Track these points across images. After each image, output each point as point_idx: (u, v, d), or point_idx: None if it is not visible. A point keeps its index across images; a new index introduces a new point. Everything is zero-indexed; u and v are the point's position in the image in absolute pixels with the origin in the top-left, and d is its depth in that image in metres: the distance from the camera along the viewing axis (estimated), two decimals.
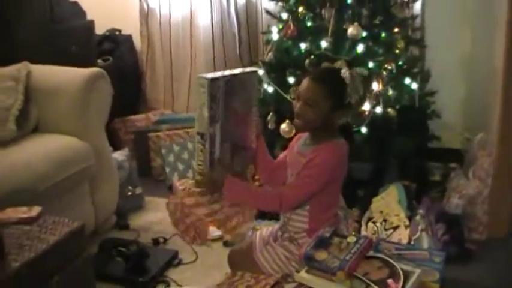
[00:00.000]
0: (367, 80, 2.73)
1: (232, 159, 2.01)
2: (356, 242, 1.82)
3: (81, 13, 3.75)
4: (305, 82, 1.98)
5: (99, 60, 3.87)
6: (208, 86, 1.83)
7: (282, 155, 2.25)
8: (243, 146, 2.09)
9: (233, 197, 2.00)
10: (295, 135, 2.27)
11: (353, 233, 1.97)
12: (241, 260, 2.16)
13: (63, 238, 1.80)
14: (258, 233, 2.22)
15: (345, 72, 1.94)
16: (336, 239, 1.85)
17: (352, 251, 1.77)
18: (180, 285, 2.23)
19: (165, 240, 2.66)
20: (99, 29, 4.01)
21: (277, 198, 1.98)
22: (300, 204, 2.03)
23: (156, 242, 2.61)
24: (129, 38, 4.29)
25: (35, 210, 1.92)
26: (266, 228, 2.26)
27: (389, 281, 1.70)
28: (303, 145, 2.10)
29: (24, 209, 1.92)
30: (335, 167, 2.00)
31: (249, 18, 4.03)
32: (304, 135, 2.12)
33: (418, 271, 1.81)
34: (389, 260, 1.82)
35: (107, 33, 4.19)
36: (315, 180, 1.97)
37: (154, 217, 2.95)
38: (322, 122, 1.98)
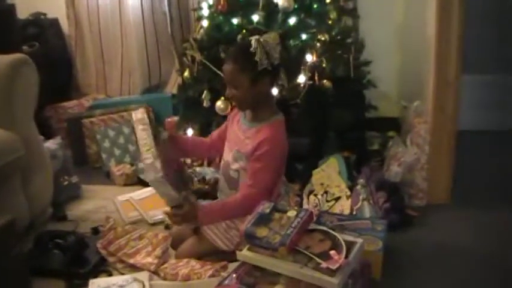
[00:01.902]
0: (301, 52, 2.72)
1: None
2: (296, 215, 1.80)
3: None
4: (224, 67, 2.04)
5: (25, 47, 3.70)
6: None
7: (214, 134, 2.27)
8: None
9: (208, 222, 2.02)
10: (231, 111, 2.26)
11: (294, 208, 1.94)
12: (187, 237, 2.13)
13: None
14: None
15: (250, 41, 1.94)
16: (276, 214, 1.82)
17: (293, 225, 1.75)
18: (123, 273, 2.16)
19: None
20: (23, 14, 3.83)
21: (247, 202, 1.95)
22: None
23: (95, 231, 2.52)
24: (55, 22, 4.12)
25: None
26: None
27: (332, 252, 1.69)
28: (244, 120, 2.11)
29: None
30: (283, 144, 2.05)
31: None
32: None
33: (360, 241, 1.81)
34: (331, 231, 1.81)
35: (31, 18, 4.01)
36: (273, 166, 2.02)
37: (93, 205, 2.86)
38: (252, 97, 2.02)
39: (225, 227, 2.04)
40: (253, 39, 1.93)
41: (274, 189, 2.07)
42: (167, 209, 1.96)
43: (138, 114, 2.07)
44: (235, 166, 2.07)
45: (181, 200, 1.91)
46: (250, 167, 2.00)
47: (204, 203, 2.19)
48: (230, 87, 2.03)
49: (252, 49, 1.92)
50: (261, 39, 1.93)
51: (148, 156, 1.89)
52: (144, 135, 1.97)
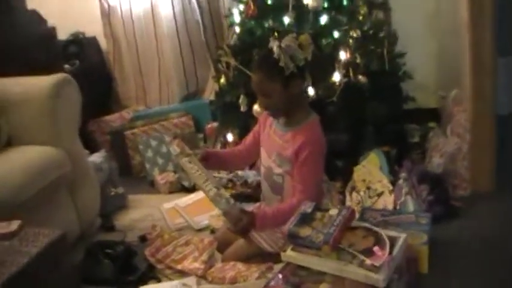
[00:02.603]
0: (334, 50, 2.72)
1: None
2: (338, 213, 1.81)
3: (42, 20, 3.69)
4: (252, 79, 2.03)
5: (66, 65, 3.82)
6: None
7: (248, 139, 2.26)
8: None
9: (265, 229, 2.03)
10: None
11: (336, 206, 1.96)
12: (233, 240, 2.16)
13: (44, 249, 1.76)
14: None
15: (273, 47, 1.92)
16: (318, 214, 1.84)
17: (335, 223, 1.76)
18: (171, 279, 2.21)
19: None
20: (63, 34, 3.96)
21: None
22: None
23: (142, 239, 2.58)
24: (93, 40, 4.24)
25: (15, 224, 1.87)
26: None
27: (375, 248, 1.69)
28: (278, 124, 2.10)
29: (4, 223, 1.88)
30: (323, 143, 2.04)
31: (210, 3, 4.00)
32: None
33: (403, 235, 1.80)
34: (374, 228, 1.82)
35: (71, 38, 4.13)
36: (318, 167, 2.03)
37: (139, 214, 2.93)
38: (286, 102, 1.99)
39: (271, 229, 2.06)
40: (275, 45, 1.92)
41: (321, 188, 2.08)
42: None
43: (176, 148, 2.03)
44: (278, 171, 2.07)
45: (239, 215, 1.91)
46: (297, 172, 1.99)
47: (250, 208, 2.19)
48: (262, 97, 2.02)
49: (275, 55, 1.91)
50: (282, 44, 1.91)
51: (209, 187, 1.90)
52: (193, 168, 1.96)
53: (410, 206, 2.40)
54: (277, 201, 2.09)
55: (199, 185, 1.93)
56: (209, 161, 2.11)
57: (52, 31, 3.69)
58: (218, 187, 1.90)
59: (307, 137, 1.98)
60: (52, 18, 3.75)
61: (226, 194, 1.91)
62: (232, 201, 1.88)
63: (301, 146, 1.97)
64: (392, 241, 1.75)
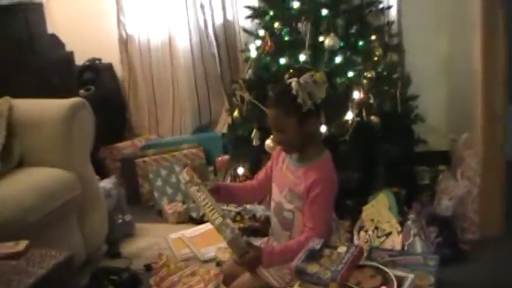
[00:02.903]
0: (348, 89, 2.75)
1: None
2: (347, 251, 1.80)
3: (60, 45, 3.76)
4: (267, 113, 2.03)
5: (81, 91, 3.87)
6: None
7: (261, 174, 2.24)
8: None
9: (272, 265, 1.99)
10: None
11: (345, 243, 1.95)
12: (239, 274, 2.14)
13: (50, 271, 1.76)
14: None
15: (291, 84, 1.94)
16: (326, 251, 1.82)
17: (343, 260, 1.75)
18: None
19: None
20: (80, 59, 4.03)
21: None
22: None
23: (148, 268, 2.58)
24: (109, 66, 4.29)
25: (22, 244, 1.88)
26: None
27: None
28: (291, 160, 2.09)
29: (11, 243, 1.89)
30: (335, 181, 2.02)
31: (227, 37, 4.05)
32: None
33: (411, 276, 1.79)
34: (382, 267, 1.80)
35: (87, 63, 4.19)
36: (329, 205, 2.01)
37: (146, 243, 2.93)
38: (301, 139, 1.98)
39: (277, 265, 2.05)
40: (294, 82, 1.91)
41: (330, 226, 2.08)
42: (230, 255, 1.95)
43: (185, 176, 2.00)
44: (289, 207, 2.04)
45: (245, 247, 1.89)
46: (307, 209, 1.97)
47: (258, 242, 2.19)
48: (277, 133, 2.01)
49: (293, 91, 1.90)
50: (301, 81, 1.91)
51: (215, 216, 1.89)
52: (201, 197, 1.94)
53: (419, 247, 2.40)
54: (287, 237, 2.08)
55: (206, 213, 1.93)
56: (220, 194, 2.09)
57: (70, 56, 3.77)
58: (224, 216, 1.90)
59: (320, 175, 1.97)
60: (70, 43, 3.82)
61: (233, 224, 1.90)
62: (237, 231, 1.87)
63: (313, 183, 1.96)
64: (400, 281, 1.73)
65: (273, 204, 2.15)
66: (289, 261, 1.86)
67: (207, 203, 1.92)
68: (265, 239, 2.27)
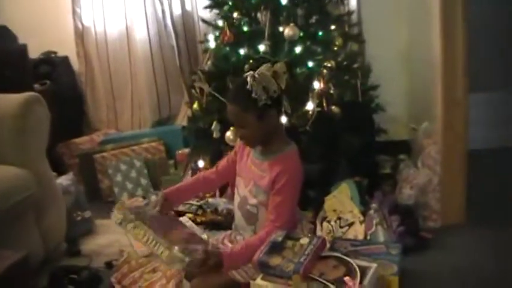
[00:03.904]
0: (308, 80, 2.73)
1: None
2: (309, 243, 1.79)
3: (12, 37, 3.64)
4: (227, 109, 1.99)
5: (36, 85, 3.76)
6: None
7: (222, 163, 2.22)
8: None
9: (235, 267, 1.95)
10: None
11: (307, 235, 1.93)
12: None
13: (5, 271, 1.70)
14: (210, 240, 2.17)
15: (246, 78, 1.91)
16: (289, 242, 1.81)
17: (306, 252, 1.74)
18: None
19: None
20: (34, 53, 3.91)
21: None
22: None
23: (109, 265, 2.52)
24: (65, 60, 4.20)
25: None
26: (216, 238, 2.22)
27: (346, 278, 1.67)
28: (255, 153, 2.07)
29: None
30: (300, 173, 2.01)
31: (186, 28, 4.01)
32: None
33: (374, 265, 1.79)
34: (344, 257, 1.80)
35: (42, 56, 4.08)
36: (292, 198, 1.99)
37: (106, 240, 2.87)
38: (262, 133, 1.97)
39: (242, 266, 2.02)
40: (249, 76, 1.89)
41: (294, 218, 2.06)
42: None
43: (117, 215, 1.89)
44: (253, 201, 2.04)
45: (200, 261, 1.81)
46: (271, 201, 1.96)
47: (221, 235, 2.15)
48: (238, 128, 2.02)
49: (248, 86, 1.88)
50: (256, 75, 1.89)
51: (160, 250, 1.79)
52: (140, 233, 1.84)
53: (381, 237, 2.40)
54: (251, 231, 2.06)
55: (150, 248, 1.84)
56: (171, 201, 2.09)
57: (23, 48, 3.65)
58: (170, 248, 1.81)
59: (285, 167, 1.96)
60: (24, 36, 3.71)
61: (179, 253, 1.78)
62: (186, 259, 1.77)
63: (277, 175, 1.95)
64: (363, 271, 1.73)
65: (237, 198, 2.13)
66: (247, 261, 1.85)
67: (148, 239, 1.83)
68: (228, 232, 2.24)
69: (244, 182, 2.09)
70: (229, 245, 2.08)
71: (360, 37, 3.34)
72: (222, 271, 1.95)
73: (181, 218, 2.68)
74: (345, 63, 2.97)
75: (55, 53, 4.15)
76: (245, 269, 2.00)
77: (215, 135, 2.79)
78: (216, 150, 2.88)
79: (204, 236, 2.25)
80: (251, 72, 1.92)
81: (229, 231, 2.24)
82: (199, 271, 1.87)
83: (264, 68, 1.94)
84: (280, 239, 1.83)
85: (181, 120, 3.97)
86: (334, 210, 2.59)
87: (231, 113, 1.97)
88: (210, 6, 3.11)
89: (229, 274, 2.01)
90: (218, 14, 3.06)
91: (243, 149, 2.14)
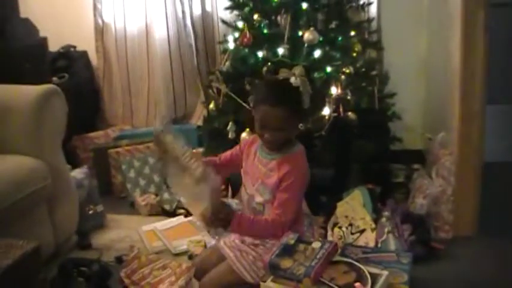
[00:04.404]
0: (325, 85, 2.73)
1: None
2: (321, 247, 1.79)
3: (34, 30, 3.67)
4: (265, 111, 1.89)
5: (54, 78, 3.79)
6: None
7: (226, 156, 2.18)
8: None
9: (237, 231, 1.97)
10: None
11: (319, 239, 1.93)
12: (211, 268, 2.11)
13: (17, 261, 1.71)
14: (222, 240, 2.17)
15: (294, 80, 1.90)
16: (301, 246, 1.81)
17: (318, 256, 1.74)
18: None
19: None
20: (54, 46, 3.94)
21: (275, 226, 1.91)
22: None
23: (119, 260, 2.53)
24: (84, 54, 4.21)
25: None
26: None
27: (357, 284, 1.67)
28: (262, 152, 2.06)
29: None
30: (307, 173, 2.00)
31: (205, 28, 4.02)
32: (258, 141, 2.09)
33: (385, 273, 1.78)
34: (356, 263, 1.80)
35: (62, 50, 4.10)
36: (298, 196, 1.98)
37: (117, 235, 2.88)
38: (292, 135, 1.97)
39: (252, 259, 2.01)
40: (298, 79, 1.87)
41: (298, 216, 2.06)
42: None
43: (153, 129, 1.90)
44: (259, 200, 2.02)
45: (220, 205, 1.85)
46: (278, 197, 1.95)
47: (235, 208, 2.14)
48: (275, 131, 1.90)
49: (301, 89, 1.86)
50: (303, 78, 1.89)
51: (195, 164, 1.80)
52: (178, 144, 1.87)
53: (392, 245, 2.40)
54: None
55: (183, 163, 1.83)
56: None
57: (43, 42, 3.68)
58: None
59: (294, 166, 1.95)
60: (45, 29, 3.74)
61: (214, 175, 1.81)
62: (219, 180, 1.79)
63: (286, 174, 1.93)
64: (374, 278, 1.73)
65: (246, 197, 2.13)
66: (253, 234, 1.92)
67: (184, 152, 1.85)
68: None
69: (251, 181, 2.08)
70: (239, 243, 2.08)
71: (379, 44, 3.33)
72: (231, 263, 1.98)
73: None
74: (363, 69, 2.97)
75: (74, 47, 4.17)
76: (254, 269, 2.00)
77: (230, 135, 2.80)
78: None
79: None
80: (291, 72, 1.90)
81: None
82: (210, 216, 1.83)
83: (284, 70, 1.93)
84: (292, 241, 1.83)
85: (197, 120, 3.98)
86: (346, 217, 2.59)
87: (273, 115, 1.87)
88: (231, 8, 3.12)
89: (238, 272, 2.01)
90: (238, 15, 3.07)
91: (249, 147, 2.11)
